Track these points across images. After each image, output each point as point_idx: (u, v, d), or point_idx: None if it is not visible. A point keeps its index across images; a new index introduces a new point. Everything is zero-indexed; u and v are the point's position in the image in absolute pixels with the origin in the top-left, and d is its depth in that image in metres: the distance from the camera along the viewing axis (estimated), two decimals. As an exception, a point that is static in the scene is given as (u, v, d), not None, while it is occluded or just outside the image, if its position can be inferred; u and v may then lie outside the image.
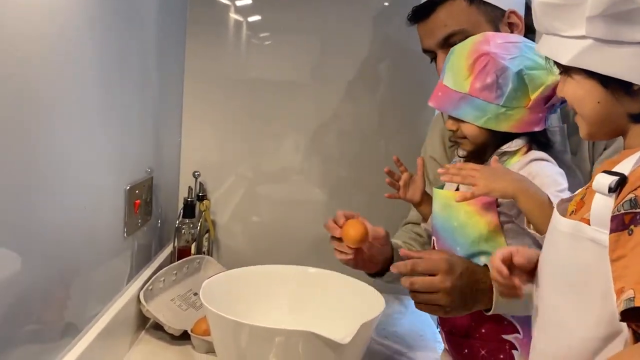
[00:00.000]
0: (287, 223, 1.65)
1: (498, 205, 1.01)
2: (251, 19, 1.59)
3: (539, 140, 1.04)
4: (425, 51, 1.23)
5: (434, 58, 1.21)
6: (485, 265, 0.99)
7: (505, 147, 1.03)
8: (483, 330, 1.05)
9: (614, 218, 0.66)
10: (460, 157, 1.14)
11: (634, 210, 0.64)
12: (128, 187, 1.12)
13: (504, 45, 1.01)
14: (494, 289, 0.96)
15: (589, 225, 0.69)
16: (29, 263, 0.77)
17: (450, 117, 1.05)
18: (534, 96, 1.00)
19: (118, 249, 1.12)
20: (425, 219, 1.21)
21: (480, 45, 1.01)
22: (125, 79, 1.10)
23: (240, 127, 1.63)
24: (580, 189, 0.80)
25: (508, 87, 0.98)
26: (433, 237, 1.11)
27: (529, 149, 1.03)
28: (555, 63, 0.77)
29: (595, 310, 0.68)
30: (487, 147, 1.05)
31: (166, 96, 1.44)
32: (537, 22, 0.78)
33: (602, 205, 0.68)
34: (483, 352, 1.05)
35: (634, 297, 0.61)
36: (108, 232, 1.06)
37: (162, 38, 1.33)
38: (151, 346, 1.17)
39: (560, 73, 0.78)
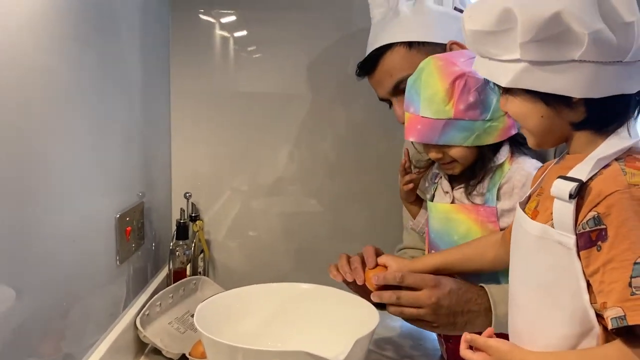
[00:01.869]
0: (284, 236, 1.65)
1: (499, 217, 1.01)
2: (237, 34, 1.59)
3: (518, 141, 1.04)
4: (381, 99, 1.24)
5: (390, 105, 1.23)
6: (482, 286, 0.98)
7: (495, 160, 1.02)
8: None
9: (580, 235, 0.71)
10: (437, 170, 1.13)
11: (598, 227, 0.69)
12: (118, 216, 1.13)
13: (470, 62, 1.00)
14: (492, 310, 0.95)
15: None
16: (24, 297, 0.78)
17: (432, 147, 1.03)
18: None
19: (112, 277, 1.12)
20: (413, 217, 1.21)
21: (449, 67, 1.00)
22: (109, 105, 1.10)
23: (232, 142, 1.62)
24: (532, 195, 0.84)
25: (493, 100, 0.98)
26: (432, 252, 1.10)
27: (513, 154, 1.03)
28: (495, 84, 0.79)
29: (567, 308, 0.72)
30: (476, 162, 1.03)
31: (153, 119, 1.44)
32: (471, 48, 0.80)
33: (564, 211, 0.72)
34: None
35: (624, 316, 0.65)
36: (100, 261, 1.07)
37: (145, 61, 1.34)
38: (150, 371, 1.18)
39: (502, 93, 0.80)
